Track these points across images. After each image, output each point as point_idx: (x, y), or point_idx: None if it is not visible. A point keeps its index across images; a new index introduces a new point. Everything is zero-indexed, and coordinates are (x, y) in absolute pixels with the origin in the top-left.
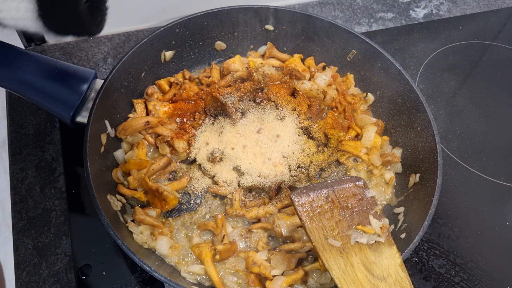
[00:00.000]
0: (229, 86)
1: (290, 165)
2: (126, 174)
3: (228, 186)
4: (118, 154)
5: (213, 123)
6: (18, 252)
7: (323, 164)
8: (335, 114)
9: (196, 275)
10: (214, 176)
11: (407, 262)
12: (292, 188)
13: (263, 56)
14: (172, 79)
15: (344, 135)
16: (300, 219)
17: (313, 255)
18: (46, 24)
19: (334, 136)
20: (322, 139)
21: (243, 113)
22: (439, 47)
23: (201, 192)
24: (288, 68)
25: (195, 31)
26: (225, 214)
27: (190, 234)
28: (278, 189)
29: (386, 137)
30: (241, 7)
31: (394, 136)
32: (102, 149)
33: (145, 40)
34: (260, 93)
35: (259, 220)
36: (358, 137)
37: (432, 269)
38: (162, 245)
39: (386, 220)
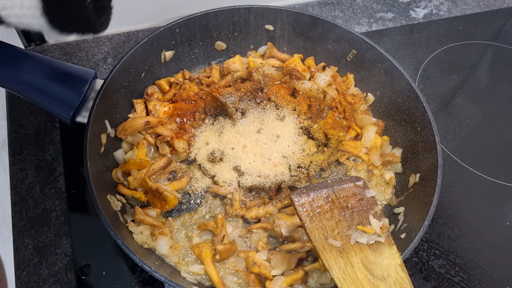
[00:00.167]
0: (229, 86)
1: (290, 165)
2: (126, 174)
3: (228, 186)
4: (118, 154)
5: (213, 123)
6: (18, 252)
7: (323, 164)
8: (335, 114)
9: (196, 275)
10: (214, 176)
11: (407, 262)
12: (292, 188)
13: (263, 56)
14: (172, 79)
15: (344, 135)
16: (300, 219)
17: (313, 255)
18: (51, 22)
19: (334, 136)
20: (322, 139)
21: (243, 113)
22: (439, 47)
23: (201, 192)
24: (288, 68)
25: (195, 31)
26: (225, 214)
27: (190, 234)
28: (278, 189)
29: (386, 137)
30: (241, 7)
31: (394, 136)
32: (102, 149)
33: (145, 40)
34: (260, 93)
35: (259, 220)
36: (358, 137)
37: (432, 269)
38: (162, 245)
39: (386, 220)
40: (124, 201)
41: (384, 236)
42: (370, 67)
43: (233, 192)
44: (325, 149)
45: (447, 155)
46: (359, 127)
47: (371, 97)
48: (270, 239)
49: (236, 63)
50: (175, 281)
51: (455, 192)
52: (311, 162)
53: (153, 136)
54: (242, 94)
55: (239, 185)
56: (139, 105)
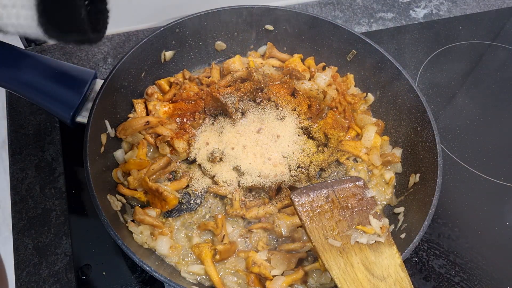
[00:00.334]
0: (229, 86)
1: (290, 165)
2: (126, 174)
3: (228, 186)
4: (118, 154)
5: (213, 123)
6: (18, 252)
7: (323, 164)
8: (335, 114)
9: (196, 275)
10: (214, 176)
11: (407, 262)
12: (292, 188)
13: (263, 56)
14: (172, 79)
15: (344, 135)
16: (300, 219)
17: (313, 255)
18: (47, 32)
19: (334, 136)
20: (322, 139)
21: (243, 113)
22: (439, 47)
23: (201, 192)
24: (288, 68)
25: (195, 31)
26: (225, 214)
27: (190, 234)
28: (278, 189)
29: (386, 137)
30: (241, 7)
31: (394, 136)
32: (102, 149)
33: (145, 40)
34: (260, 93)
35: (259, 220)
36: (358, 137)
37: (432, 269)
38: (162, 245)
39: (386, 220)
40: (124, 201)
41: (384, 236)
42: (370, 67)
43: (233, 192)
44: (325, 149)
45: (447, 155)
46: (359, 127)
47: (371, 97)
48: (270, 239)
49: (236, 63)
50: (175, 281)
51: (455, 192)
52: (311, 162)
53: (153, 136)
54: (242, 94)
55: (239, 185)
56: (139, 105)
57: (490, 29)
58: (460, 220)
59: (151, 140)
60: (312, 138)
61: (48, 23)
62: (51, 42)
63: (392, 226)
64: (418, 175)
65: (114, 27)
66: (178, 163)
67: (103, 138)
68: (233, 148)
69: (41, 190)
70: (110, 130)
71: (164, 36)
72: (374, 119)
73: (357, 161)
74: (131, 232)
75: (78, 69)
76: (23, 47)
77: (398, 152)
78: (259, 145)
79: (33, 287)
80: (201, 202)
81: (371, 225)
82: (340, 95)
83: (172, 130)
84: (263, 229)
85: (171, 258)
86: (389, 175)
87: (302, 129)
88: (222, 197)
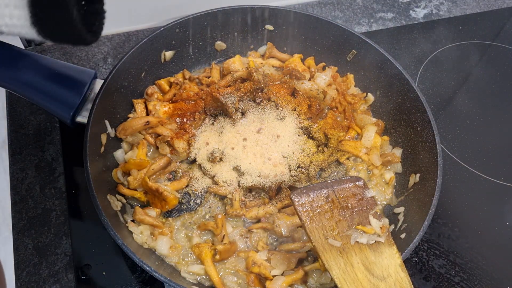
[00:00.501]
0: (229, 86)
1: (290, 165)
2: (126, 174)
3: (228, 186)
4: (118, 154)
5: (213, 123)
6: (18, 252)
7: (323, 164)
8: (335, 114)
9: (196, 275)
10: (214, 176)
11: (407, 262)
12: (292, 188)
13: (263, 56)
14: (172, 79)
15: (344, 135)
16: (300, 219)
17: (313, 255)
18: (40, 32)
19: (334, 136)
20: (322, 139)
21: (243, 113)
22: (439, 47)
23: (201, 192)
24: (288, 68)
25: (195, 31)
26: (225, 214)
27: (190, 234)
28: (278, 189)
29: (386, 137)
30: (241, 7)
31: (394, 136)
32: (102, 149)
33: (145, 40)
34: (260, 93)
35: (259, 220)
36: (358, 137)
37: (432, 269)
38: (162, 245)
39: (386, 220)
40: (124, 201)
41: (384, 236)
42: (370, 67)
43: (233, 192)
44: (325, 149)
45: (447, 155)
46: (359, 127)
47: (371, 97)
48: (270, 239)
49: (236, 63)
50: (175, 281)
51: (455, 192)
52: (311, 162)
53: (153, 136)
54: (242, 94)
55: (239, 185)
56: (139, 105)
57: (490, 29)
58: (460, 220)
59: (151, 140)
60: (312, 138)
61: (40, 23)
62: (48, 42)
63: (392, 226)
64: (418, 175)
65: (114, 27)
66: (178, 163)
67: (103, 138)
68: (233, 148)
69: (41, 190)
70: (110, 130)
71: (164, 36)
72: (374, 119)
73: (357, 161)
74: (131, 232)
75: (78, 69)
76: (23, 47)
77: (398, 152)
78: (259, 145)
79: (33, 287)
80: (201, 202)
81: (371, 225)
82: (340, 95)
83: (172, 130)
84: (263, 229)
85: (171, 258)
86: (389, 175)
87: (302, 129)
88: (222, 197)
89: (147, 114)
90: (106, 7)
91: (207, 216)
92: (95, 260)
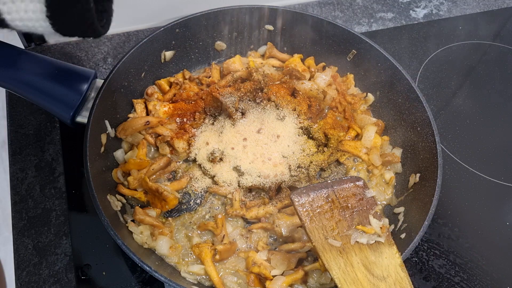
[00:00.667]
0: (229, 86)
1: (290, 165)
2: (126, 174)
3: (228, 186)
4: (118, 154)
5: (213, 123)
6: (18, 252)
7: (323, 164)
8: (335, 114)
9: (196, 275)
10: (214, 176)
11: (407, 262)
12: (292, 188)
13: (263, 56)
14: (172, 79)
15: (344, 135)
16: (300, 219)
17: (313, 255)
18: (54, 25)
19: (334, 136)
20: (322, 139)
21: (243, 113)
22: (439, 47)
23: (201, 192)
24: (288, 68)
25: (195, 31)
26: (225, 214)
27: (190, 234)
28: (278, 189)
29: (386, 137)
30: (241, 7)
31: (394, 136)
32: (102, 149)
33: (145, 40)
34: (260, 93)
35: (259, 220)
36: (358, 137)
37: (432, 269)
38: (162, 245)
39: (386, 220)
40: (124, 201)
41: (384, 236)
42: (370, 67)
43: (233, 192)
44: (325, 149)
45: (447, 155)
46: (359, 127)
47: (371, 97)
48: (270, 239)
49: (236, 63)
50: (175, 281)
51: (455, 192)
52: (311, 162)
53: (153, 136)
54: (242, 94)
55: (239, 185)
56: (139, 105)
57: (490, 29)
58: (460, 220)
59: (151, 140)
60: (312, 138)
61: (55, 16)
62: (55, 37)
63: (392, 226)
64: (418, 175)
65: (114, 27)
66: (178, 163)
67: (103, 138)
68: (233, 148)
69: (41, 190)
70: (110, 130)
71: (164, 36)
72: (374, 119)
73: (357, 161)
74: (131, 232)
75: (78, 69)
76: (23, 47)
77: (398, 152)
78: (259, 145)
79: (33, 287)
80: (201, 202)
81: (371, 225)
82: (340, 95)
83: (172, 130)
84: (263, 229)
85: (171, 258)
86: (389, 175)
87: (302, 129)
88: (222, 197)
89: (147, 114)
90: None
91: (207, 216)
92: (95, 260)
